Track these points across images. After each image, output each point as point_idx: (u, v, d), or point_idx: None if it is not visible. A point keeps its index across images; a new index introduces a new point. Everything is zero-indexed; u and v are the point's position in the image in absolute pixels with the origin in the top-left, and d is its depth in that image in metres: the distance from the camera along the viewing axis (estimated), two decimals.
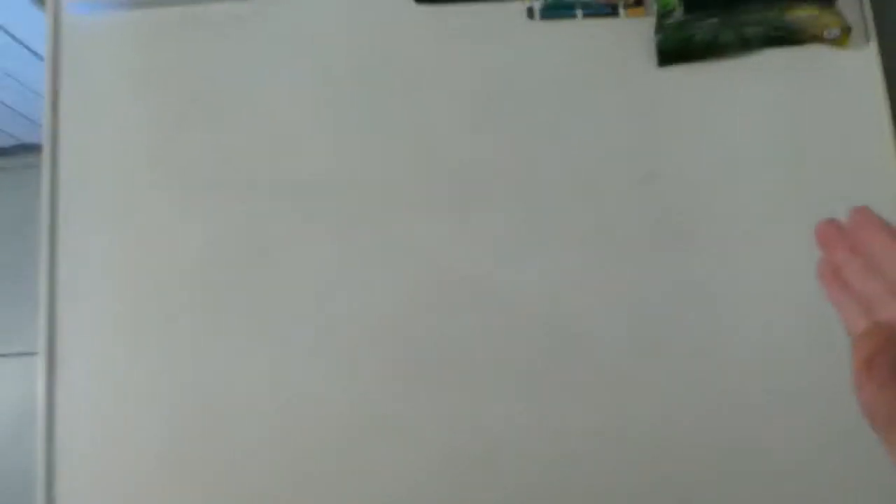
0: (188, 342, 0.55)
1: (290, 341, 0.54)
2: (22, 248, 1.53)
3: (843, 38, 0.57)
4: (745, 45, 0.57)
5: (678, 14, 0.57)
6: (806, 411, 0.53)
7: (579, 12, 0.58)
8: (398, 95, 0.58)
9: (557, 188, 0.56)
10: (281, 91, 0.58)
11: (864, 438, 0.50)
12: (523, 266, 0.55)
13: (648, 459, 0.52)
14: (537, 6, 0.58)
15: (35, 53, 1.09)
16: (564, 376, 0.54)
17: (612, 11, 0.58)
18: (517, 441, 0.53)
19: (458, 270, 0.55)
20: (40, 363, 0.54)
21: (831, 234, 0.31)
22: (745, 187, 0.56)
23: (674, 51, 0.57)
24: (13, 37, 1.05)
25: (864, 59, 0.57)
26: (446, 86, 0.58)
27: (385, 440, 0.53)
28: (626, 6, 0.58)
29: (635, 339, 0.54)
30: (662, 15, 0.57)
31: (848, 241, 0.30)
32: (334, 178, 0.57)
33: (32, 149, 1.54)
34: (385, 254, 0.55)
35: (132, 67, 0.59)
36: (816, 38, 0.57)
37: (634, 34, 0.58)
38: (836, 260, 0.31)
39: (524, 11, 0.58)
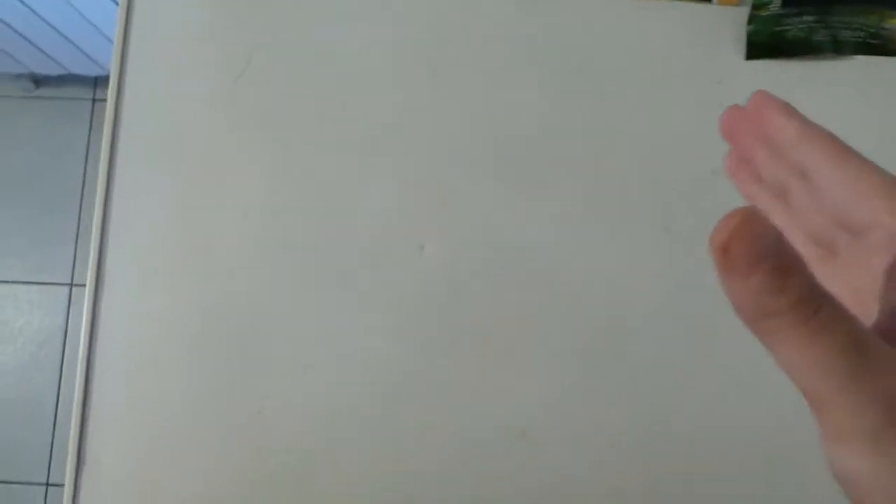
0: (235, 286, 0.54)
1: (338, 296, 0.53)
2: (59, 180, 1.55)
3: None
4: (839, 48, 0.55)
5: (774, 7, 0.55)
6: None
7: None
8: (474, 59, 0.56)
9: (625, 171, 0.55)
10: (351, 45, 0.57)
11: None
12: (581, 247, 0.54)
13: (683, 454, 0.51)
14: None
15: None
16: (611, 364, 0.52)
17: None
18: (558, 421, 0.52)
19: (515, 243, 0.54)
20: (87, 291, 0.53)
21: (735, 122, 0.29)
22: None
23: (764, 44, 0.55)
24: None
25: None
26: (525, 55, 0.56)
27: (424, 405, 0.52)
28: None
29: (688, 334, 0.53)
30: (758, 6, 0.55)
31: (752, 129, 0.29)
32: (399, 137, 0.56)
33: (79, 80, 1.54)
34: (442, 218, 0.54)
35: (202, 11, 0.58)
36: None
37: (725, 23, 0.56)
38: (743, 150, 0.29)
39: None
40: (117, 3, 0.96)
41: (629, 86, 0.56)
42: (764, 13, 0.55)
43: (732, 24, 0.56)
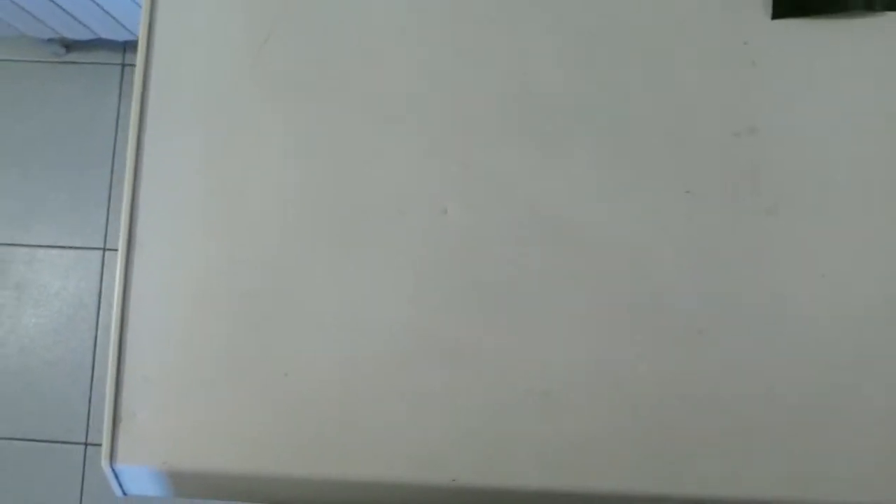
0: (263, 248, 0.55)
1: (364, 259, 0.54)
2: (90, 145, 1.57)
3: None
4: (869, 4, 0.54)
5: None
6: (871, 387, 0.51)
7: None
8: (496, 22, 0.56)
9: (650, 132, 0.54)
10: (377, 8, 0.57)
11: None
12: (605, 209, 0.54)
13: (708, 414, 0.52)
14: None
15: None
16: (634, 324, 0.53)
17: None
18: (579, 382, 0.52)
19: (537, 205, 0.54)
20: (120, 251, 0.55)
21: None
22: (844, 156, 0.54)
23: (791, 1, 0.54)
24: None
25: None
26: (547, 16, 0.56)
27: (446, 365, 0.53)
28: None
29: (711, 294, 0.53)
30: None
31: None
32: (424, 100, 0.56)
33: (109, 45, 1.55)
34: (467, 182, 0.54)
35: None
36: None
37: None
38: None
39: None
40: None
41: (652, 46, 0.55)
42: None
43: None
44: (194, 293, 0.55)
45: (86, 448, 1.49)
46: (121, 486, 0.55)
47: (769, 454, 0.51)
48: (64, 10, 1.29)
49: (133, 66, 1.59)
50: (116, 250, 1.52)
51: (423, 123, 0.56)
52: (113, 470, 0.53)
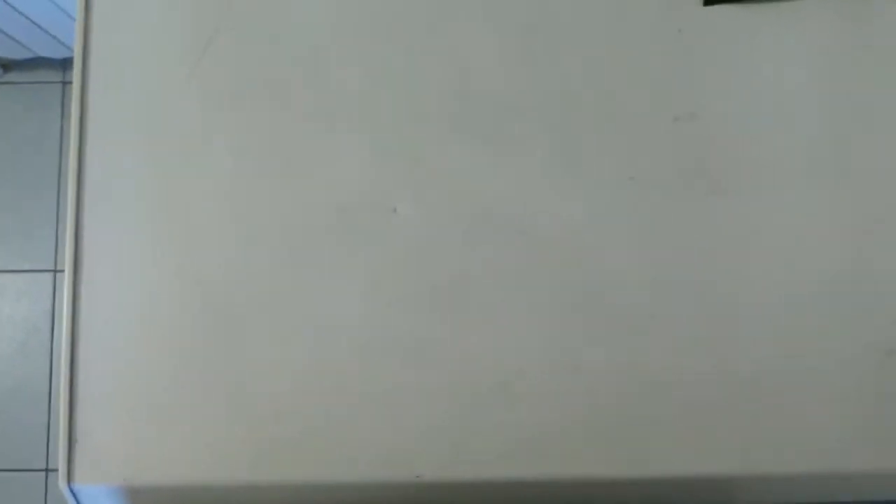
0: (212, 258, 0.54)
1: (315, 262, 0.54)
2: (35, 166, 1.54)
3: None
4: None
5: None
6: (819, 358, 0.53)
7: None
8: (435, 21, 0.57)
9: (591, 123, 0.55)
10: (318, 9, 0.57)
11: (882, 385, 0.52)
12: (552, 201, 0.55)
13: (664, 395, 0.53)
14: None
15: None
16: (586, 312, 0.54)
17: None
18: (537, 372, 0.53)
19: (485, 200, 0.55)
20: (67, 273, 0.54)
21: None
22: (782, 137, 0.55)
23: None
24: None
25: None
26: (485, 14, 0.57)
27: (404, 363, 0.53)
28: None
29: (660, 279, 0.54)
30: None
31: None
32: (367, 101, 0.56)
33: (48, 63, 1.52)
34: (415, 180, 0.55)
35: None
36: None
37: None
38: None
39: None
40: None
41: (588, 39, 0.56)
42: None
43: None
44: (144, 309, 0.54)
45: (47, 474, 1.46)
46: None
47: (725, 431, 0.53)
48: (1, 30, 1.27)
49: None
50: None
51: (369, 125, 0.56)
52: (71, 490, 0.52)
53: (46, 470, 1.46)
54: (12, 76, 1.56)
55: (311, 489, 0.53)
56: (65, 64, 1.54)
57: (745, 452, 0.52)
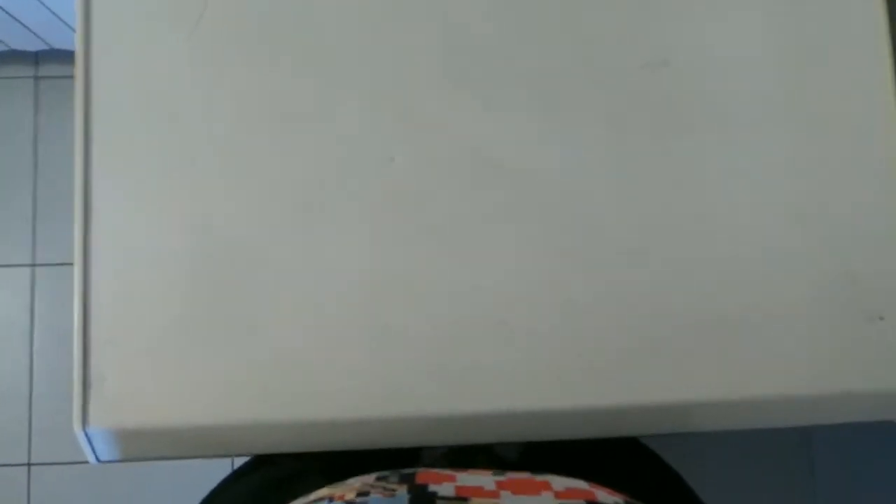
0: (217, 204, 0.57)
1: (317, 205, 0.57)
2: (9, 162, 1.53)
3: None
4: None
5: None
6: (788, 286, 0.57)
7: None
8: None
9: (570, 73, 0.59)
10: None
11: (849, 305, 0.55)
12: (537, 146, 0.58)
13: (647, 326, 0.56)
14: None
15: None
16: (570, 250, 0.57)
17: None
18: (528, 308, 0.56)
19: (477, 147, 0.58)
20: (76, 222, 0.56)
21: None
22: (749, 82, 0.59)
23: None
24: None
25: None
26: None
27: (404, 303, 0.56)
28: None
29: (640, 215, 0.57)
30: None
31: None
32: (356, 53, 0.59)
33: (20, 58, 1.52)
34: (409, 130, 0.58)
35: None
36: None
37: None
38: None
39: None
40: None
41: None
42: None
43: None
44: (153, 257, 0.56)
45: (29, 468, 1.45)
46: (94, 451, 0.56)
47: (703, 358, 0.56)
48: None
49: (48, 78, 1.57)
50: (46, 265, 1.49)
51: (362, 78, 0.59)
52: (86, 434, 0.54)
53: (28, 464, 1.46)
54: None
55: (319, 427, 0.55)
56: (37, 58, 1.54)
57: (719, 379, 0.56)
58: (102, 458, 0.56)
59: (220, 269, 0.56)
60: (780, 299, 0.57)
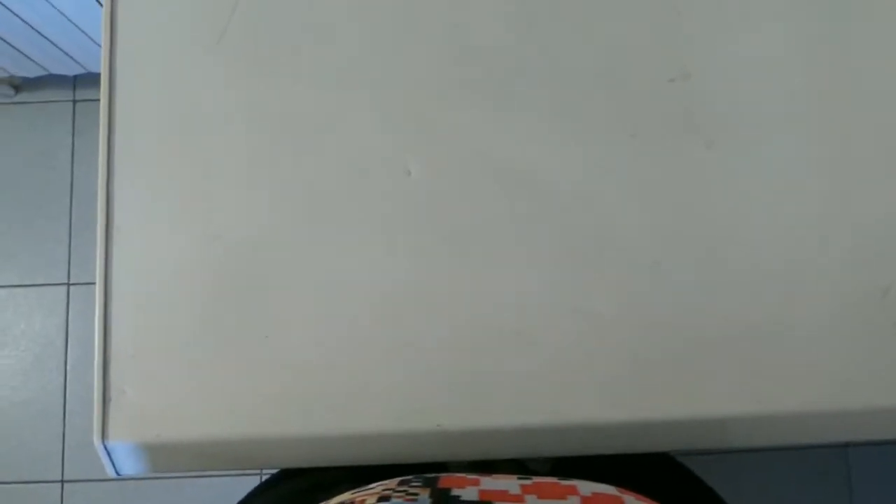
0: (235, 217, 0.57)
1: (334, 217, 0.57)
2: (46, 183, 1.57)
3: None
4: None
5: None
6: (816, 298, 0.55)
7: None
8: None
9: (592, 84, 0.58)
10: None
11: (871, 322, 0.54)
12: (558, 156, 0.57)
13: (668, 339, 0.55)
14: None
15: None
16: (586, 258, 0.56)
17: None
18: (546, 320, 0.55)
19: (495, 157, 0.57)
20: (98, 236, 0.56)
21: None
22: (773, 95, 0.58)
23: None
24: None
25: None
26: None
27: (420, 315, 0.55)
28: None
29: (661, 227, 0.56)
30: None
31: None
32: (372, 65, 0.59)
33: (59, 82, 1.56)
34: (428, 139, 0.58)
35: None
36: None
37: None
38: None
39: None
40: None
41: (587, 2, 0.60)
42: None
43: None
44: (173, 271, 0.57)
45: (62, 486, 1.47)
46: (113, 464, 0.56)
47: (729, 372, 0.55)
48: (12, 45, 1.30)
49: (85, 101, 1.60)
50: (81, 284, 1.51)
51: (380, 91, 0.59)
52: (105, 448, 0.55)
53: (62, 481, 1.48)
54: (23, 96, 1.60)
55: (339, 441, 0.55)
56: (75, 81, 1.58)
57: (747, 393, 0.55)
58: (122, 472, 0.56)
59: (240, 283, 0.56)
60: (807, 311, 0.55)
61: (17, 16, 1.20)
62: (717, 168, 0.57)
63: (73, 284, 1.53)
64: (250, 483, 0.68)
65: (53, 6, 1.18)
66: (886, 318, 0.54)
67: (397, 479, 0.43)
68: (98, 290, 0.56)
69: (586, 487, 0.41)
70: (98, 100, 0.60)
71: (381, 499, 0.38)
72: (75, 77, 1.55)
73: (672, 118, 0.58)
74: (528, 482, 0.42)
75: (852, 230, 0.56)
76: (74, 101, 1.59)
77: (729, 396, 0.54)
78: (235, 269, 0.56)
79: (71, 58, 1.37)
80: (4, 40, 1.28)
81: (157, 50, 0.60)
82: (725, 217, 0.56)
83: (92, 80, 1.53)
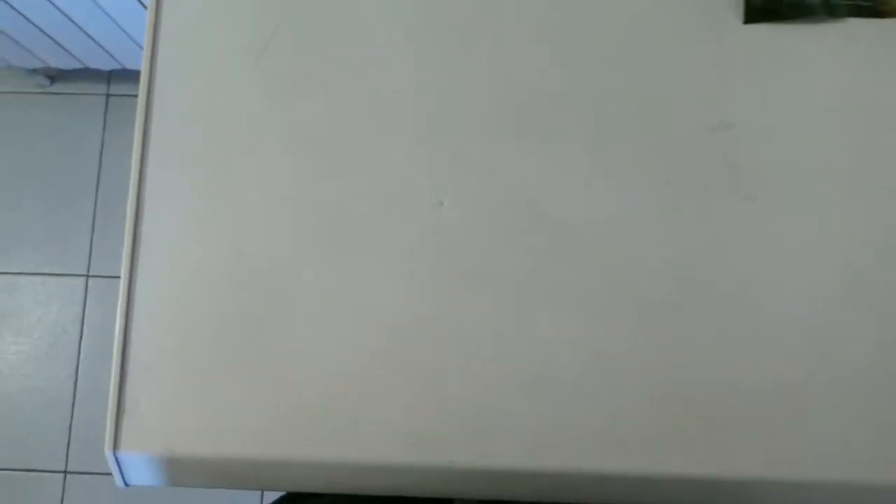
0: (264, 244, 0.57)
1: (358, 246, 0.57)
2: (74, 175, 1.58)
3: None
4: (831, 11, 0.59)
5: None
6: (843, 364, 0.54)
7: None
8: (487, 25, 0.60)
9: (633, 129, 0.58)
10: (372, 9, 0.60)
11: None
12: (591, 199, 0.57)
13: (689, 394, 0.54)
14: None
15: None
16: (614, 304, 0.55)
17: None
18: (566, 363, 0.55)
19: (528, 196, 0.57)
20: (125, 249, 0.56)
21: None
22: (812, 149, 0.57)
23: (761, 8, 0.58)
24: None
25: None
26: (528, 16, 0.60)
27: (440, 350, 0.55)
28: None
29: (690, 279, 0.55)
30: None
31: None
32: (415, 100, 0.59)
33: (93, 76, 1.57)
34: (459, 175, 0.57)
35: None
36: None
37: None
38: None
39: None
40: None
41: (634, 49, 0.59)
42: None
43: None
44: (195, 286, 0.57)
45: (65, 476, 1.47)
46: (122, 475, 0.56)
47: (749, 433, 0.54)
48: (51, 38, 1.32)
49: (118, 96, 1.62)
50: (100, 277, 1.52)
51: (418, 121, 0.59)
52: (116, 457, 0.54)
53: (65, 472, 1.48)
54: (57, 87, 1.62)
55: (347, 469, 0.55)
56: (110, 76, 1.59)
57: (767, 455, 0.53)
58: (131, 482, 0.56)
59: (258, 304, 0.56)
60: (832, 374, 0.54)
61: (59, 9, 1.21)
62: (748, 223, 0.56)
63: (91, 276, 1.54)
64: (251, 495, 0.67)
65: (96, 3, 1.19)
66: None
67: None
68: (121, 300, 0.56)
69: None
70: (132, 95, 0.61)
71: None
72: (110, 72, 1.57)
73: (708, 168, 0.57)
74: None
75: (886, 293, 0.55)
76: (108, 96, 1.60)
77: (742, 458, 0.53)
78: (257, 289, 0.56)
79: (109, 53, 1.38)
80: (45, 33, 1.29)
81: (197, 58, 0.60)
82: (753, 271, 0.55)
83: (127, 76, 1.55)
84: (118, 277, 0.56)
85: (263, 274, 0.56)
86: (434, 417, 0.54)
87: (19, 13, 1.21)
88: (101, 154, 1.59)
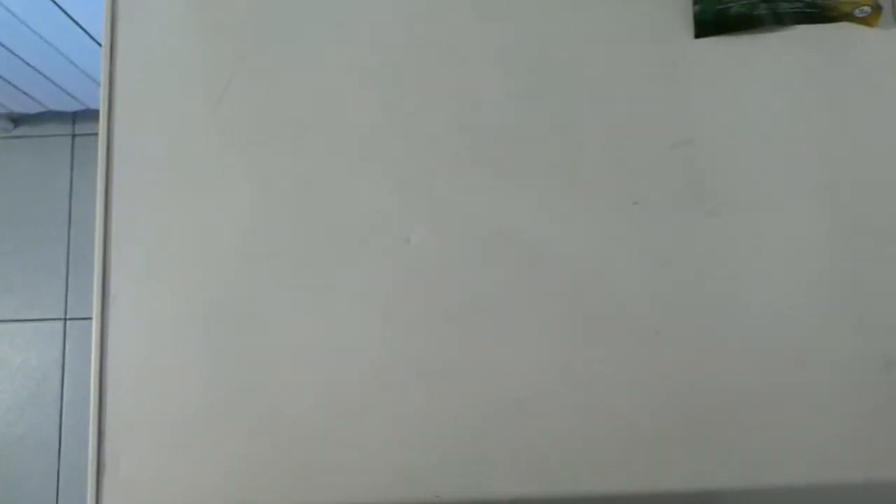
0: (235, 289, 0.57)
1: (334, 286, 0.57)
2: (45, 217, 1.57)
3: (873, 16, 0.59)
4: (779, 20, 0.59)
5: None
6: (819, 370, 0.55)
7: None
8: (445, 57, 0.60)
9: (595, 153, 0.58)
10: (331, 49, 0.60)
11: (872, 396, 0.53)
12: (559, 225, 0.57)
13: (670, 409, 0.54)
14: None
15: (70, 17, 1.11)
16: (595, 330, 0.56)
17: None
18: (547, 390, 0.55)
19: (496, 227, 0.57)
20: (94, 307, 0.56)
21: None
22: (772, 158, 0.58)
23: (711, 22, 0.59)
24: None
25: (893, 38, 0.59)
26: (491, 51, 0.60)
27: (420, 385, 0.55)
28: None
29: (663, 296, 0.56)
30: None
31: None
32: (380, 136, 0.59)
33: (58, 117, 1.56)
34: (429, 207, 0.57)
35: (183, 35, 0.61)
36: (847, 17, 0.59)
37: (672, 6, 0.60)
38: None
39: None
40: (93, 38, 1.00)
41: (590, 75, 0.60)
42: None
43: (679, 8, 0.60)
44: (169, 339, 0.56)
45: None
46: None
47: (729, 443, 0.54)
48: (13, 85, 1.31)
49: (84, 135, 1.61)
50: (78, 319, 1.51)
51: (382, 158, 0.59)
52: None
53: None
54: (22, 130, 1.60)
55: None
56: (74, 116, 1.58)
57: (748, 464, 0.54)
58: None
59: (235, 352, 0.56)
60: (808, 383, 0.55)
61: (13, 53, 1.20)
62: (717, 236, 0.57)
63: (69, 319, 1.52)
64: None
65: (51, 44, 1.18)
66: (890, 390, 0.54)
67: None
68: (94, 357, 0.55)
69: None
70: (97, 134, 0.60)
71: None
72: (75, 112, 1.56)
73: (673, 185, 0.57)
74: None
75: (855, 301, 0.55)
76: (73, 136, 1.59)
77: (732, 469, 0.54)
78: (233, 339, 0.56)
79: (70, 95, 1.37)
80: (3, 78, 1.28)
81: (156, 98, 0.60)
82: (726, 286, 0.56)
83: (92, 115, 1.54)
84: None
85: (236, 321, 0.56)
86: (417, 453, 0.55)
87: None
88: (70, 194, 1.58)
